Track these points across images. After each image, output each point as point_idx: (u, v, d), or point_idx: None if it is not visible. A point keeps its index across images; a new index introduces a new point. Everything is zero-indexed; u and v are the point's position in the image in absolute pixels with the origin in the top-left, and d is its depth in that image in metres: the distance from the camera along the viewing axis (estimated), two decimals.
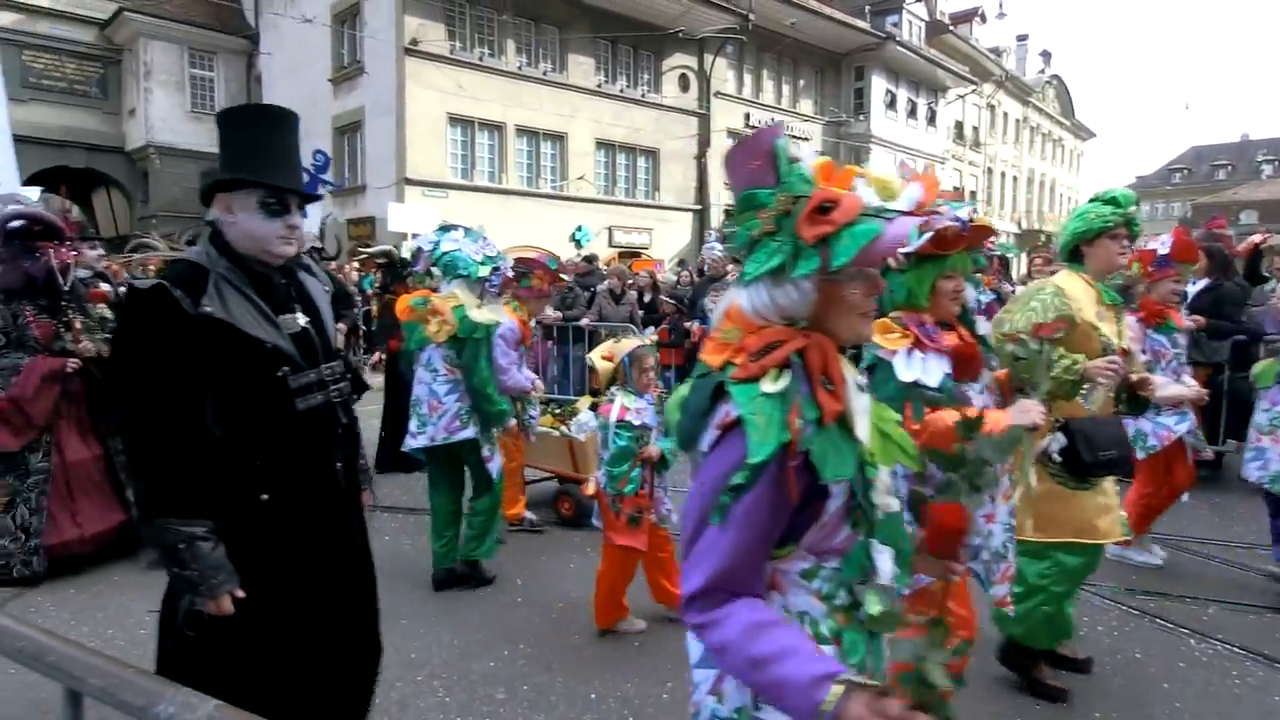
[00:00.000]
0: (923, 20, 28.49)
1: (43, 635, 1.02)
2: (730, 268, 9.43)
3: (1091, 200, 3.08)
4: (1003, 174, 38.11)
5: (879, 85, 26.87)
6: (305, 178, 7.62)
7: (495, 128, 18.83)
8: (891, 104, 27.62)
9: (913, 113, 28.89)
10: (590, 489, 3.89)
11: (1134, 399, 2.91)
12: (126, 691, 0.90)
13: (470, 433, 4.13)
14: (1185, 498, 4.78)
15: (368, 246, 7.05)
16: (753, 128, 24.01)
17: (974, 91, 32.26)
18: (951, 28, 31.30)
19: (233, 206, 1.94)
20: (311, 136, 20.05)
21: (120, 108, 22.15)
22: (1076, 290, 2.94)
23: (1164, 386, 3.07)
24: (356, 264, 7.72)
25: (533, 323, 5.24)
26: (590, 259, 13.20)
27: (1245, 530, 5.20)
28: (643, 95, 21.38)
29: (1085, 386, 2.70)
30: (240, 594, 1.83)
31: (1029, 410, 2.08)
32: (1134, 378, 2.87)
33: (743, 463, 1.17)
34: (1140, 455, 4.34)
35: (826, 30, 24.44)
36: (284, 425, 1.94)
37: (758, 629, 1.17)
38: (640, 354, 3.63)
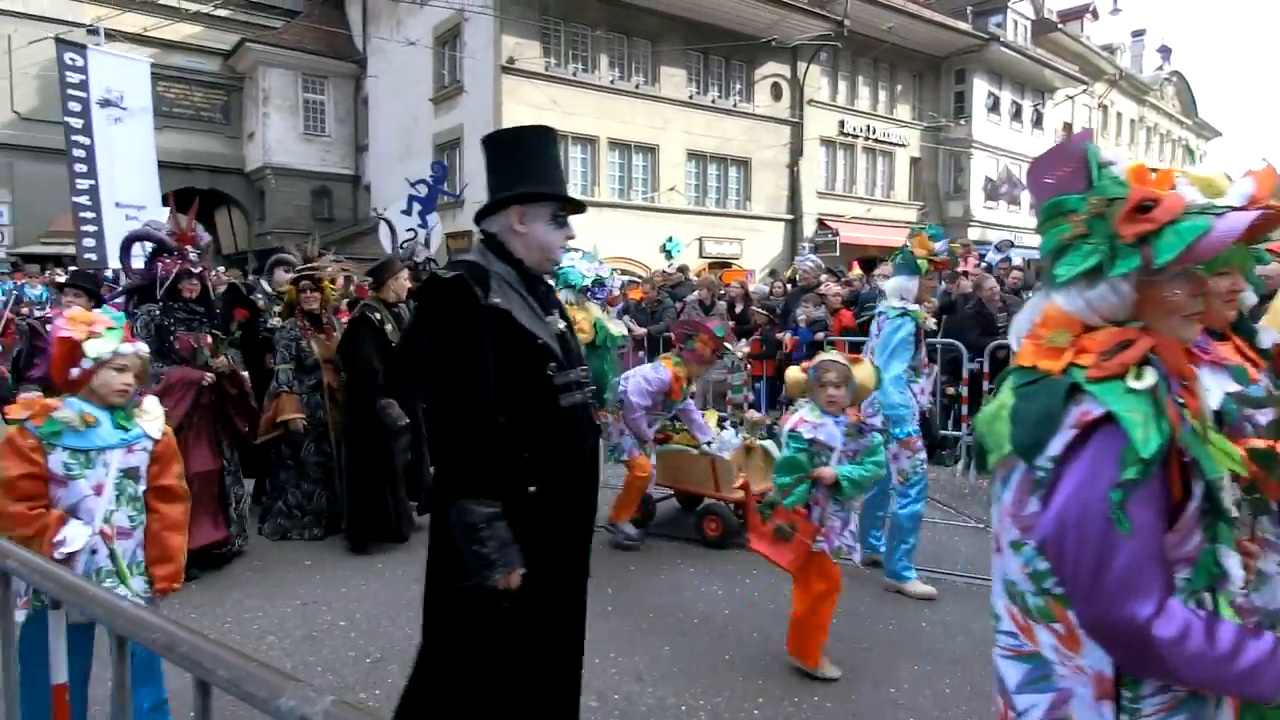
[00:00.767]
0: (1028, 19, 27.32)
1: (175, 627, 1.08)
2: (824, 278, 9.26)
3: None
4: None
5: (981, 88, 25.92)
6: (424, 189, 7.89)
7: (588, 141, 19.16)
8: (994, 107, 26.58)
9: (1017, 115, 27.71)
10: (736, 485, 3.87)
11: None
12: (251, 683, 0.95)
13: None
14: None
15: None
16: (847, 134, 23.59)
17: (1084, 91, 30.64)
18: (1060, 25, 29.86)
19: (525, 218, 2.09)
20: (413, 154, 20.95)
21: (241, 132, 23.70)
22: None
23: None
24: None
25: (691, 386, 5.28)
26: (682, 269, 13.25)
27: None
28: (734, 105, 21.31)
29: None
30: (522, 572, 1.94)
31: None
32: None
33: (1130, 458, 1.14)
34: None
35: (925, 33, 23.77)
36: (550, 420, 2.04)
37: (1209, 623, 1.17)
38: (822, 366, 3.42)
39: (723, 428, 5.42)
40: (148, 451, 2.52)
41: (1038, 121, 28.61)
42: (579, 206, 2.21)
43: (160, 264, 4.62)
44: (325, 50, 23.54)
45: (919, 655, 3.62)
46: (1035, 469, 1.24)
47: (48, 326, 4.92)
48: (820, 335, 7.69)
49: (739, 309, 9.49)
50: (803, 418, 3.40)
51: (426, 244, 7.80)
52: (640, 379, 4.94)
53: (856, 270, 10.48)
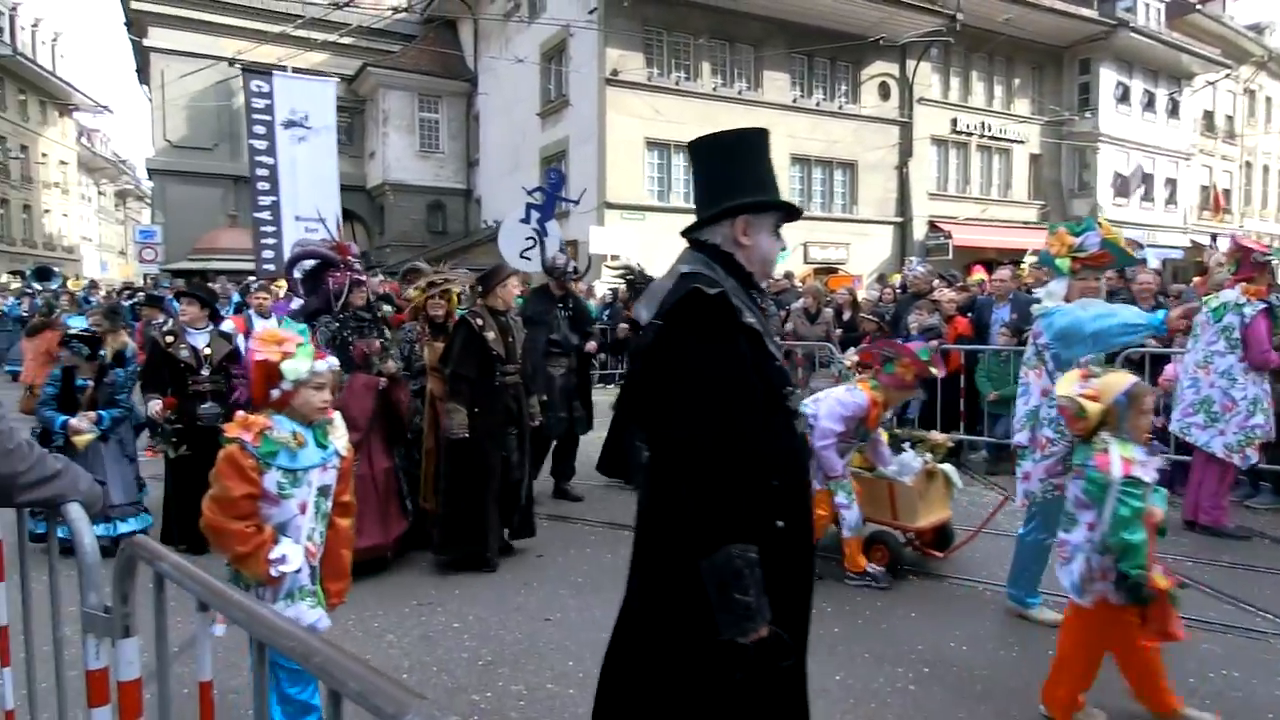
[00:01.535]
0: (1162, 1, 25.48)
1: (311, 637, 1.13)
2: (936, 283, 8.90)
3: None
4: (1265, 168, 33.03)
5: (1108, 77, 24.34)
6: (541, 197, 8.03)
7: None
8: (1124, 97, 24.90)
9: (1150, 105, 25.86)
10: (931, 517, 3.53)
11: None
12: (379, 698, 0.97)
13: None
14: None
15: (615, 264, 7.25)
16: (960, 132, 22.65)
17: (1227, 76, 28.24)
18: (1199, 6, 27.70)
19: (750, 229, 1.94)
20: (521, 167, 21.57)
21: (363, 151, 25.07)
22: None
23: None
24: (613, 278, 7.76)
25: (887, 413, 4.88)
26: (787, 275, 13.05)
27: None
28: (840, 107, 20.86)
29: None
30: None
31: None
32: None
33: None
34: None
35: (1045, 23, 22.54)
36: (790, 448, 1.89)
37: None
38: (1138, 391, 2.95)
39: (899, 448, 4.96)
40: (337, 469, 2.54)
41: (1174, 111, 26.61)
42: (796, 214, 2.07)
43: (331, 278, 4.83)
44: (439, 71, 24.62)
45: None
46: None
47: (168, 338, 5.25)
48: (934, 343, 7.39)
49: (847, 316, 9.25)
50: (1126, 457, 2.86)
51: (544, 250, 7.87)
52: (835, 402, 4.50)
53: (977, 274, 9.99)
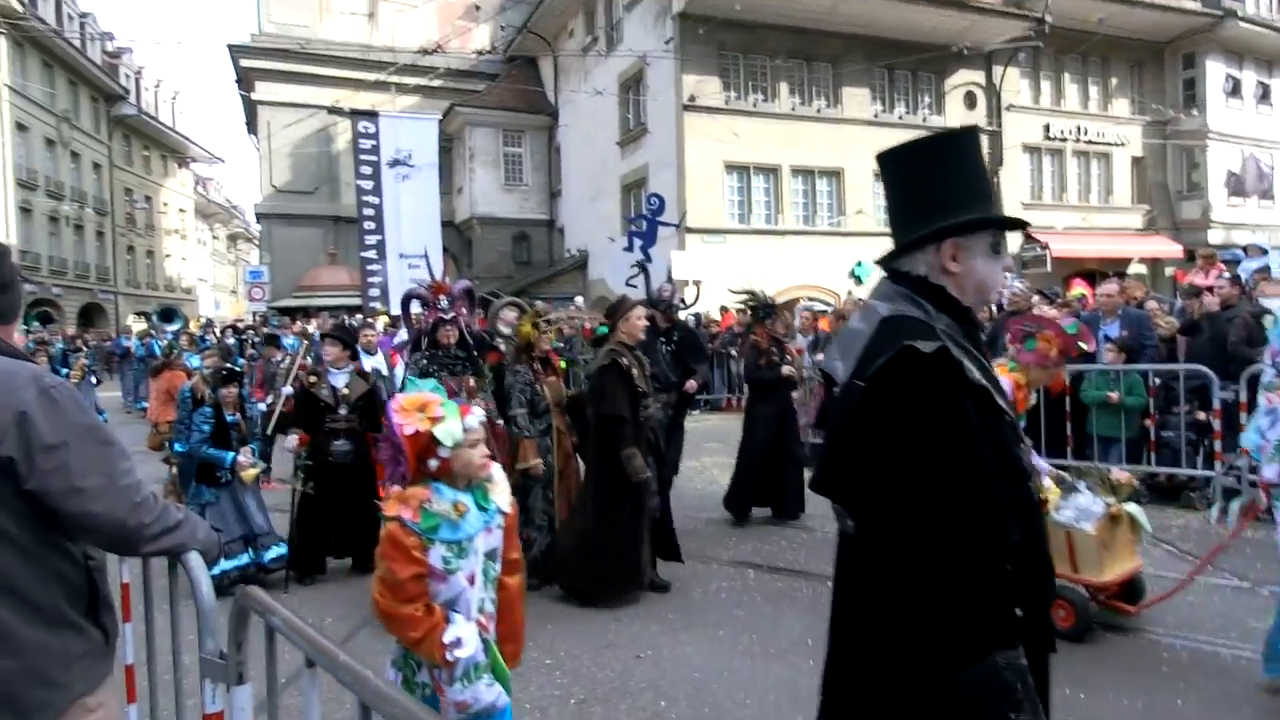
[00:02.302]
0: None
1: (415, 706, 1.15)
2: (1035, 299, 8.50)
3: None
4: None
5: (1216, 71, 22.91)
6: (643, 224, 8.04)
7: (770, 170, 19.08)
8: (1235, 90, 23.38)
9: (1265, 97, 24.20)
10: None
11: None
12: None
13: None
14: None
15: (738, 288, 7.10)
16: (1054, 138, 21.73)
17: None
18: None
19: (961, 253, 1.62)
20: (603, 195, 21.93)
21: (451, 187, 25.99)
22: None
23: None
24: (736, 304, 7.57)
25: (1032, 396, 4.38)
26: None
27: None
28: (924, 119, 20.36)
29: None
30: None
31: None
32: None
33: None
34: None
35: (1143, 19, 21.44)
36: (1027, 519, 1.55)
37: None
38: None
39: (1070, 488, 4.33)
40: (501, 528, 2.35)
41: None
42: (1016, 226, 1.75)
43: (423, 316, 5.00)
44: (522, 106, 25.37)
45: None
46: None
47: (311, 377, 5.49)
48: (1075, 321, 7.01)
49: None
50: None
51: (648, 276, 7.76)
52: None
53: (1077, 288, 9.49)
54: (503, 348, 5.85)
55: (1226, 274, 8.31)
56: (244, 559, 5.16)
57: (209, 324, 20.24)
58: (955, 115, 20.62)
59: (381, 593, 2.15)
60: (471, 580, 2.23)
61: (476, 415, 2.28)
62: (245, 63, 25.59)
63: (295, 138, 25.41)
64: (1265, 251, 11.24)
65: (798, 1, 17.79)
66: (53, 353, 11.94)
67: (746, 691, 3.63)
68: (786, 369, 6.61)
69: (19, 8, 26.62)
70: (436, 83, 23.72)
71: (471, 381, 4.93)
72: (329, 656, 1.40)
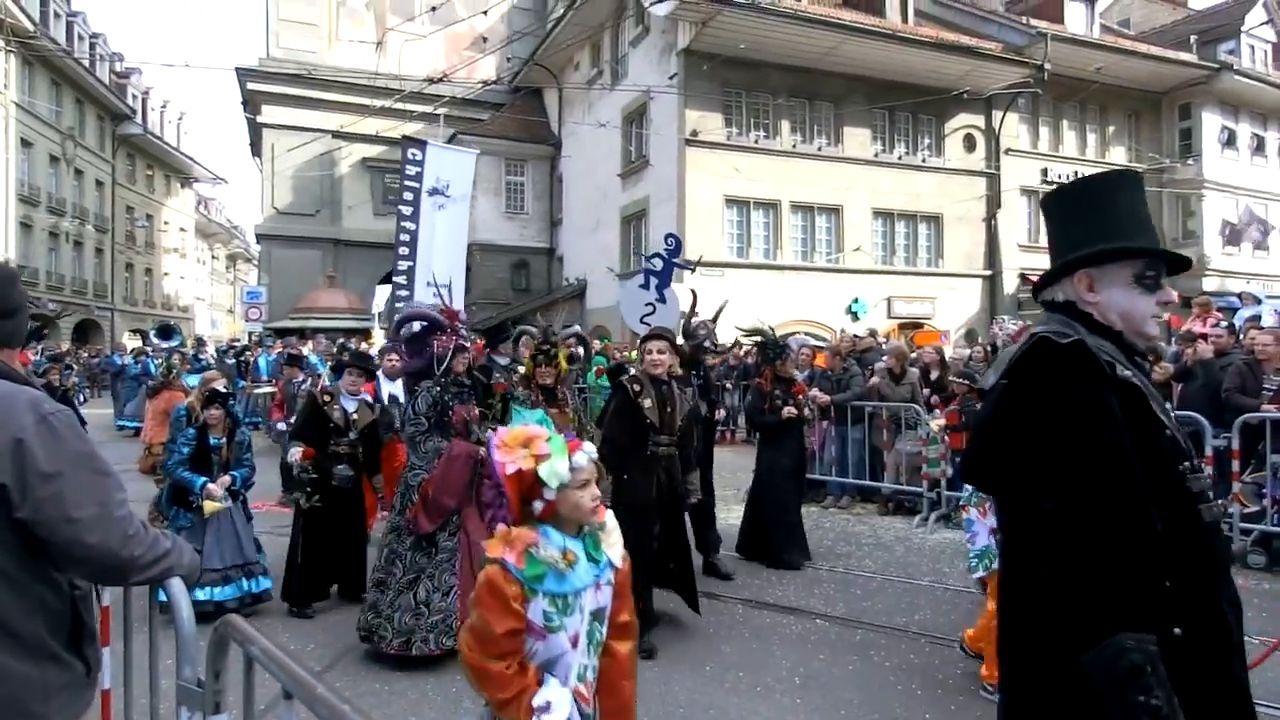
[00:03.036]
0: (1268, 42, 24.39)
1: (356, 717, 1.13)
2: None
3: None
4: None
5: (1212, 122, 23.30)
6: (659, 263, 8.08)
7: (770, 206, 19.26)
8: (1230, 141, 23.74)
9: (1259, 149, 24.57)
10: None
11: None
12: None
13: None
14: None
15: (745, 325, 7.01)
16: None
17: None
18: None
19: (1097, 283, 1.68)
20: (602, 226, 22.09)
21: None
22: None
23: None
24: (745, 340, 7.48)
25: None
26: (871, 332, 12.81)
27: None
28: (923, 160, 20.63)
29: None
30: None
31: None
32: None
33: None
34: None
35: (1140, 69, 21.87)
36: (1190, 538, 1.54)
37: None
38: None
39: None
40: (612, 585, 2.06)
41: None
42: (1179, 263, 1.73)
43: (437, 342, 4.80)
44: (525, 136, 25.67)
45: None
46: None
47: (326, 397, 5.50)
48: None
49: (934, 375, 8.97)
50: None
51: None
52: None
53: None
54: (498, 379, 5.68)
55: (1224, 322, 8.40)
56: (223, 592, 5.00)
57: (201, 342, 20.22)
58: (954, 157, 20.91)
59: (471, 645, 1.91)
60: (574, 642, 1.96)
61: (587, 452, 2.02)
62: (252, 86, 25.92)
63: (298, 161, 25.65)
64: (1259, 300, 11.37)
65: (801, 42, 18.11)
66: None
67: None
68: (787, 410, 6.57)
69: (30, 27, 26.98)
70: (442, 110, 24.02)
71: (477, 412, 4.73)
72: (306, 689, 1.39)
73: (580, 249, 24.04)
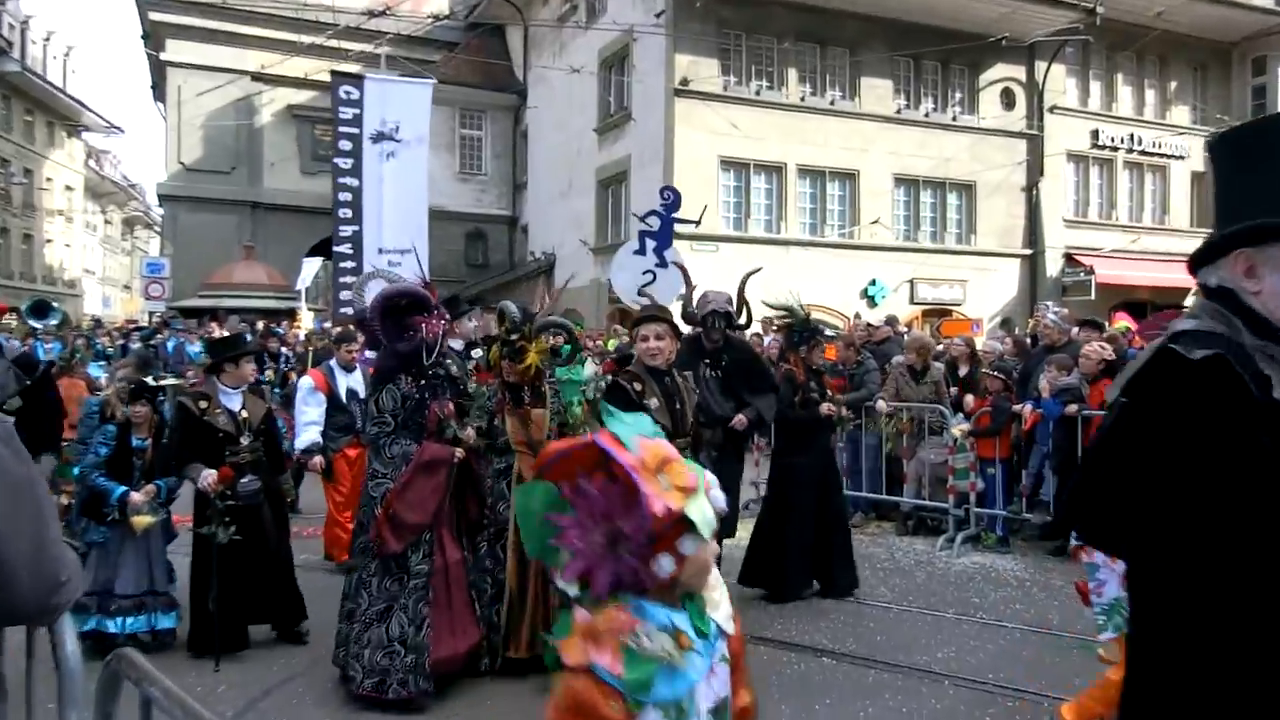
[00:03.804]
0: None
1: None
2: (1076, 331, 8.66)
3: None
4: None
5: None
6: (656, 222, 8.00)
7: (773, 169, 19.33)
8: None
9: None
10: None
11: None
12: None
13: None
14: None
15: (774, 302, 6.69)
16: (1103, 147, 22.24)
17: None
18: None
19: (1259, 266, 1.55)
20: (575, 190, 22.05)
21: None
22: None
23: None
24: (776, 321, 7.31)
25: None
26: (890, 320, 12.89)
27: None
28: (954, 118, 20.77)
29: None
30: None
31: None
32: None
33: None
34: None
35: (1208, 16, 22.10)
36: None
37: None
38: None
39: None
40: (727, 662, 1.71)
41: None
42: None
43: (425, 325, 4.52)
44: (484, 82, 25.50)
45: None
46: None
47: (201, 403, 5.09)
48: (1073, 408, 7.15)
49: (963, 371, 9.05)
50: None
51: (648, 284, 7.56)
52: None
53: (1121, 322, 9.67)
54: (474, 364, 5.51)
55: None
56: (137, 622, 4.93)
57: (98, 324, 19.86)
58: (991, 115, 21.08)
59: None
60: None
61: (714, 482, 1.64)
62: (155, 16, 25.51)
63: (211, 108, 25.30)
64: None
65: None
66: None
67: None
68: (825, 407, 6.44)
69: None
70: (384, 50, 23.79)
71: (451, 407, 4.57)
72: None
73: (548, 218, 23.97)
